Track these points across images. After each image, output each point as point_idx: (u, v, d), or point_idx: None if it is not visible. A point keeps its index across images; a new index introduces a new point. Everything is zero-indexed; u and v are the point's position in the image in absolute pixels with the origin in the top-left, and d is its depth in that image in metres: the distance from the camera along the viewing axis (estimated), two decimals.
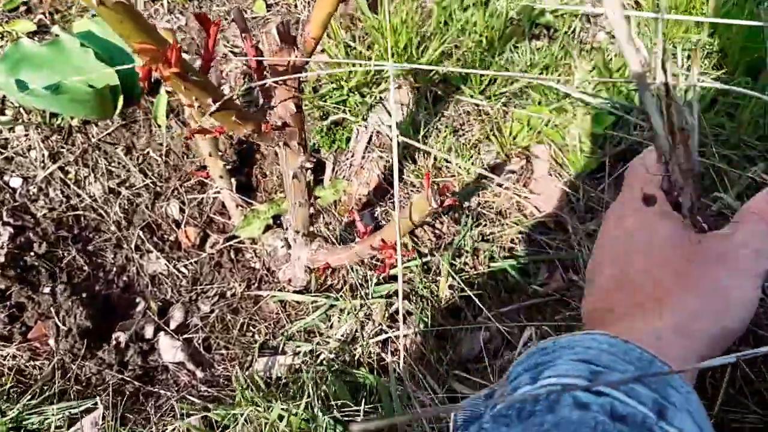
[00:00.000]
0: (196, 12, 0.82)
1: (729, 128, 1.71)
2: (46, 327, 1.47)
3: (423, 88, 1.89)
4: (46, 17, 2.02)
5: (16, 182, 1.67)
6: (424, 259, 1.57)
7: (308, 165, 1.10)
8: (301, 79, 1.03)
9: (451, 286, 1.55)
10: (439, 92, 1.91)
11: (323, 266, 1.39)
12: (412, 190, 1.76)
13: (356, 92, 1.89)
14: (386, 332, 1.47)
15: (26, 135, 1.74)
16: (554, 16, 2.10)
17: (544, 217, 1.71)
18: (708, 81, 1.77)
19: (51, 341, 1.46)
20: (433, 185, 1.07)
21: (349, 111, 1.87)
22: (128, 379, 1.43)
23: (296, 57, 0.94)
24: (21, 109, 1.78)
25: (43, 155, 1.70)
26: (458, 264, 1.60)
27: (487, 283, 1.59)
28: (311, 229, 1.37)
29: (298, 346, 1.50)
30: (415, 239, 1.66)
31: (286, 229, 1.38)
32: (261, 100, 1.05)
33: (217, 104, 0.87)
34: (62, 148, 1.73)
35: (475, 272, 1.60)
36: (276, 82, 0.95)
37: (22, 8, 2.05)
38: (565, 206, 1.73)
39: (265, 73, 0.99)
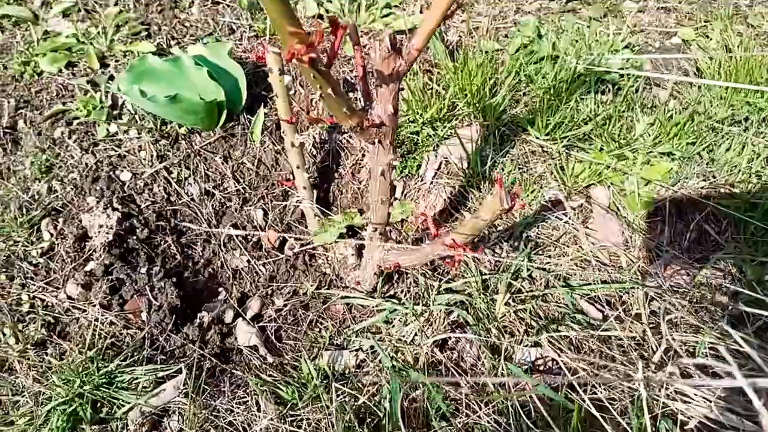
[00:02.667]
0: (330, 15, 1.01)
1: None
2: (140, 301, 1.65)
3: (491, 127, 2.05)
4: (164, 42, 2.31)
5: (126, 176, 1.90)
6: (484, 277, 1.69)
7: (395, 163, 1.27)
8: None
9: (507, 304, 1.66)
10: (507, 132, 2.07)
11: (394, 265, 1.53)
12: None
13: (429, 125, 2.07)
14: (444, 334, 1.58)
15: (138, 137, 1.98)
16: (619, 75, 2.26)
17: (599, 253, 1.82)
18: None
19: (143, 314, 1.63)
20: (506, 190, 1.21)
21: (422, 142, 2.05)
22: (207, 355, 1.58)
23: (400, 64, 1.12)
24: (136, 115, 2.03)
25: (152, 156, 1.93)
26: (516, 285, 1.71)
27: (541, 306, 1.69)
28: (387, 229, 1.52)
29: (362, 344, 1.63)
30: (477, 260, 1.78)
31: (365, 226, 1.52)
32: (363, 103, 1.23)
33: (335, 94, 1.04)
34: (168, 151, 1.95)
35: (530, 295, 1.70)
36: (379, 85, 1.12)
37: (144, 33, 2.35)
38: (620, 245, 1.83)
39: (369, 78, 1.17)
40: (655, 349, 1.44)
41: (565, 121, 2.02)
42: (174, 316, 1.62)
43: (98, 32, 2.29)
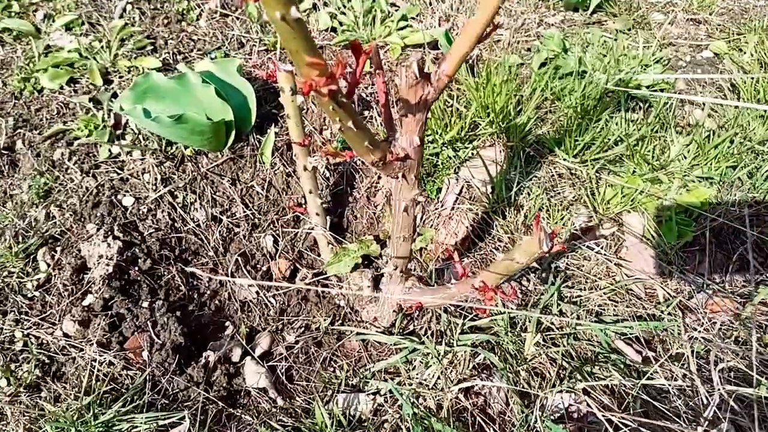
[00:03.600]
0: (352, 39, 0.90)
1: None
2: (142, 339, 1.53)
3: (516, 148, 1.93)
4: (170, 57, 2.20)
5: (128, 201, 1.79)
6: (511, 314, 1.57)
7: (420, 199, 1.15)
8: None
9: (537, 344, 1.53)
10: (532, 153, 1.94)
11: (415, 305, 1.40)
12: (499, 245, 1.77)
13: (449, 146, 1.95)
14: (470, 381, 1.45)
15: (142, 159, 1.87)
16: (650, 92, 2.13)
17: (633, 285, 1.69)
18: None
19: (145, 353, 1.51)
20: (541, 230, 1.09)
21: (442, 164, 1.92)
22: (213, 398, 1.46)
23: (429, 92, 1.00)
24: (140, 136, 1.92)
25: (156, 179, 1.82)
26: (545, 322, 1.58)
27: (573, 345, 1.56)
28: (408, 266, 1.40)
29: (379, 387, 1.50)
30: (503, 294, 1.66)
31: (386, 262, 1.41)
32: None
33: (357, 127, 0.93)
34: (173, 174, 1.84)
35: (561, 333, 1.58)
36: (405, 115, 1.00)
37: (149, 47, 2.24)
38: (656, 277, 1.70)
39: (391, 106, 1.05)
40: (705, 400, 1.31)
41: (595, 142, 1.89)
42: (177, 355, 1.51)
43: (102, 47, 2.18)
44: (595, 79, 2.07)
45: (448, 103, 2.04)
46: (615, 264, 1.72)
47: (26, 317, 1.54)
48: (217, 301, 1.71)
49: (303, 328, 1.67)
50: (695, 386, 1.32)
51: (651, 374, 1.40)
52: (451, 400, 1.43)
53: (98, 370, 1.47)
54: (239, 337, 1.61)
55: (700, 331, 1.53)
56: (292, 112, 1.46)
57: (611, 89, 2.06)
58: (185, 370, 1.51)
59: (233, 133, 1.88)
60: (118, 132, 1.93)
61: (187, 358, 1.54)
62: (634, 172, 1.86)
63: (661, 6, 2.61)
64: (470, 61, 2.26)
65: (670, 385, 1.37)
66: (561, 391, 1.44)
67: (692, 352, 1.42)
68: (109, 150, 1.88)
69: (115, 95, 2.03)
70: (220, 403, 1.47)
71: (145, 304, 1.59)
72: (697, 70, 2.30)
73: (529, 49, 2.32)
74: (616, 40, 2.35)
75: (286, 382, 1.56)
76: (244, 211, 1.83)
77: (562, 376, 1.49)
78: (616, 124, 1.97)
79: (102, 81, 2.08)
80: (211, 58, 2.20)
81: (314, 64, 0.77)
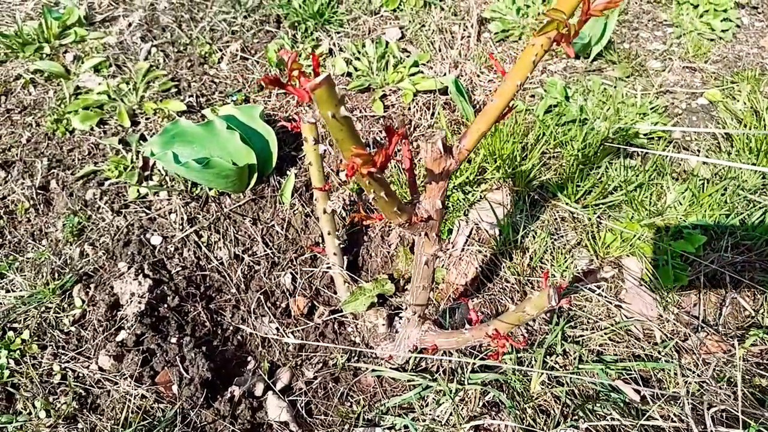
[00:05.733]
0: (386, 125, 1.02)
1: None
2: (171, 374, 1.63)
3: (522, 192, 2.05)
4: (193, 99, 2.32)
5: (156, 240, 1.89)
6: (519, 355, 1.67)
7: (440, 254, 1.26)
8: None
9: (542, 383, 1.63)
10: (536, 197, 2.06)
11: (431, 347, 1.51)
12: (507, 285, 1.88)
13: (459, 190, 2.07)
14: (480, 419, 1.55)
15: (169, 200, 1.98)
16: (647, 139, 2.26)
17: (632, 326, 1.79)
18: None
19: (174, 387, 1.61)
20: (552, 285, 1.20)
21: (452, 206, 2.04)
22: (238, 431, 1.56)
23: (451, 164, 1.12)
24: (166, 177, 2.04)
25: (182, 219, 1.93)
26: (549, 362, 1.69)
27: (575, 383, 1.66)
28: (425, 312, 1.51)
29: (394, 422, 1.60)
30: (511, 334, 1.76)
31: (405, 308, 1.52)
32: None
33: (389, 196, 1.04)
34: (198, 214, 1.95)
35: (564, 371, 1.68)
36: (429, 182, 1.12)
37: (173, 89, 2.37)
38: (654, 318, 1.81)
39: (415, 173, 1.17)
40: None
41: (595, 189, 2.01)
42: (205, 389, 1.61)
43: (129, 89, 2.31)
44: (596, 126, 2.20)
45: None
46: (615, 305, 1.83)
47: (63, 351, 1.64)
48: (239, 337, 1.81)
49: (321, 364, 1.77)
50: (690, 428, 1.42)
51: (647, 412, 1.50)
52: None
53: (132, 403, 1.56)
54: (261, 372, 1.71)
55: (695, 372, 1.64)
56: (314, 160, 1.58)
57: (610, 136, 2.18)
58: (212, 403, 1.60)
59: (255, 175, 2.00)
60: (146, 173, 2.05)
61: (213, 392, 1.64)
62: (632, 218, 1.98)
63: (659, 54, 2.75)
64: (478, 107, 2.38)
65: (666, 425, 1.48)
66: (565, 430, 1.54)
67: (687, 392, 1.53)
68: (138, 190, 1.99)
69: (142, 137, 2.15)
70: None
71: (174, 340, 1.69)
72: (693, 118, 2.43)
73: (533, 96, 2.45)
74: (615, 87, 2.48)
75: (305, 415, 1.66)
76: (265, 250, 1.94)
77: (565, 413, 1.59)
78: (615, 170, 2.09)
79: (130, 122, 2.20)
80: (233, 101, 2.33)
81: (359, 155, 0.89)
